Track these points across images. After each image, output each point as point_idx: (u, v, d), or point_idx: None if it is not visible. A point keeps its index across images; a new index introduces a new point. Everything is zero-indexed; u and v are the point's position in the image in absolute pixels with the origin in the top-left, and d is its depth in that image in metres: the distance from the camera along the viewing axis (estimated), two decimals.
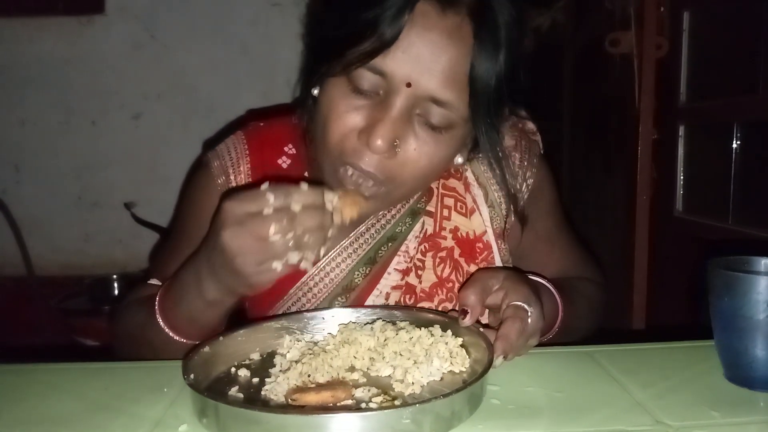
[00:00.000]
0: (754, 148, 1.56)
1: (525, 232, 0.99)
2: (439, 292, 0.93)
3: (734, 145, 1.60)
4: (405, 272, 0.94)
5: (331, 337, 0.79)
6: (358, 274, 0.93)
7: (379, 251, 0.94)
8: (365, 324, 0.81)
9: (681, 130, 1.82)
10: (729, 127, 1.61)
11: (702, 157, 1.78)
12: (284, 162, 0.96)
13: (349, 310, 0.86)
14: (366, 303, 0.92)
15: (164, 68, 2.46)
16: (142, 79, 2.46)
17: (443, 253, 0.94)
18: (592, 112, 2.27)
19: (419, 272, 0.93)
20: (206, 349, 0.72)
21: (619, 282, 1.99)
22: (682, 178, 1.83)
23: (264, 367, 0.74)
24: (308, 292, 0.93)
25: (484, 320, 0.80)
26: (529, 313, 0.74)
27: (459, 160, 0.90)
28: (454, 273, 0.94)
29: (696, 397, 0.67)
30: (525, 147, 0.99)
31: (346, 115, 0.79)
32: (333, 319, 0.84)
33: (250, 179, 0.94)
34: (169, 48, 2.45)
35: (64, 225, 2.50)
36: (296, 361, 0.72)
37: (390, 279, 0.93)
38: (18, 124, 2.46)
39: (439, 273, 0.93)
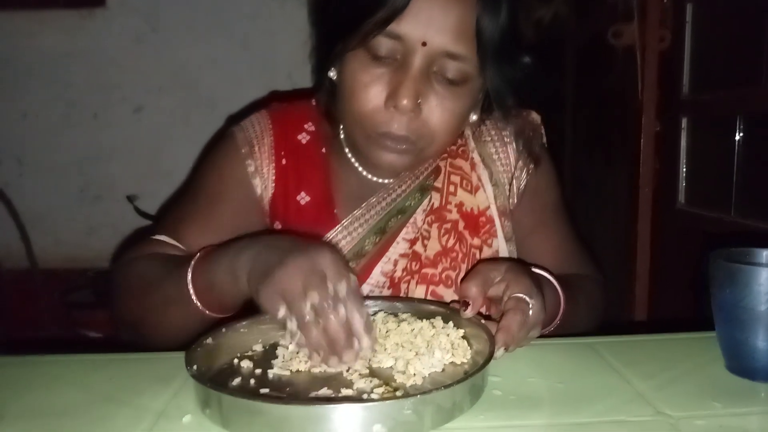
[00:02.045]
0: (756, 140, 1.55)
1: (525, 217, 1.04)
2: (443, 260, 0.97)
3: (737, 138, 1.59)
4: (412, 241, 0.98)
5: None
6: (368, 242, 0.98)
7: (389, 222, 0.99)
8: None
9: (684, 123, 1.81)
10: (732, 119, 1.60)
11: (704, 149, 1.78)
12: (303, 138, 1.02)
13: None
14: (375, 269, 0.97)
15: (165, 62, 2.46)
16: (143, 72, 2.46)
17: (448, 225, 0.99)
18: (595, 104, 2.26)
19: (425, 241, 0.98)
20: (209, 340, 0.73)
21: (621, 274, 1.99)
22: (684, 170, 1.83)
23: (266, 358, 0.74)
24: None
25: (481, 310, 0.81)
26: (531, 306, 0.74)
27: (473, 117, 0.98)
28: (458, 244, 0.99)
29: (697, 388, 0.68)
30: (528, 136, 1.05)
31: (371, 85, 0.86)
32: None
33: (273, 151, 0.99)
34: (170, 41, 2.45)
35: (67, 218, 2.51)
36: (298, 352, 0.73)
37: (398, 247, 0.98)
38: (20, 118, 2.46)
39: (443, 243, 0.98)
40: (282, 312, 0.66)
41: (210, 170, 1.01)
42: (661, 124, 1.85)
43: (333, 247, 0.72)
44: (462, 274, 0.97)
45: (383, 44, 0.85)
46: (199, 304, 0.79)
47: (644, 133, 1.85)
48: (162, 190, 2.31)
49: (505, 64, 0.90)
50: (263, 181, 0.98)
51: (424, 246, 0.98)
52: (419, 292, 0.95)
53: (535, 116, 1.08)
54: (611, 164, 2.12)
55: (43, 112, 2.46)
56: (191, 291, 0.79)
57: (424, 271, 0.96)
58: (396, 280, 0.96)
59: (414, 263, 0.97)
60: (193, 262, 0.80)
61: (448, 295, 0.96)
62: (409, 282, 0.96)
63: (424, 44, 0.84)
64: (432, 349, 0.71)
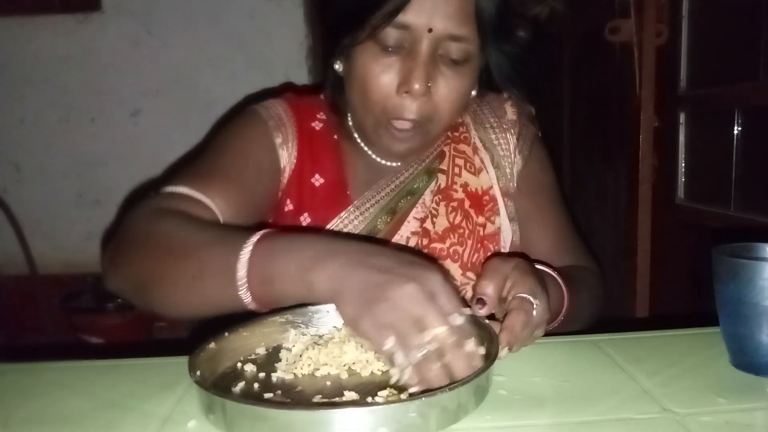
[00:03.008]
0: (755, 134, 1.56)
1: (521, 200, 1.07)
2: (451, 236, 1.02)
3: (735, 132, 1.59)
4: (422, 220, 1.03)
5: (336, 330, 0.79)
6: (380, 222, 1.02)
7: (399, 203, 1.04)
8: None
9: (682, 118, 1.81)
10: (730, 113, 1.60)
11: (703, 144, 1.78)
12: (317, 125, 1.07)
13: None
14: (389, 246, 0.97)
15: (162, 64, 2.46)
16: (140, 75, 2.46)
17: (455, 203, 1.04)
18: (593, 100, 2.27)
19: (434, 219, 1.03)
20: (212, 345, 0.72)
21: (621, 270, 1.99)
22: (683, 165, 1.83)
23: (270, 361, 0.74)
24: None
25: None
26: (535, 306, 0.73)
27: (473, 93, 1.02)
28: (464, 221, 1.03)
29: (702, 384, 0.67)
30: (524, 124, 1.10)
31: (383, 75, 0.91)
32: (337, 313, 0.84)
33: (297, 132, 1.03)
34: (167, 44, 2.45)
35: (66, 223, 2.51)
36: (301, 355, 0.73)
37: (410, 226, 1.03)
38: (17, 123, 2.46)
39: (451, 220, 1.03)
40: (390, 345, 0.60)
41: (232, 134, 1.00)
42: (659, 119, 1.85)
43: (439, 265, 0.66)
44: (468, 250, 1.02)
45: (391, 35, 0.89)
46: (247, 292, 0.67)
47: (642, 129, 1.85)
48: None
49: (503, 41, 0.96)
50: (288, 155, 1.02)
51: (433, 223, 1.02)
52: None
53: (530, 108, 1.13)
54: (610, 160, 2.12)
55: (40, 117, 2.46)
56: (243, 274, 0.67)
57: (433, 245, 1.01)
58: None
59: (424, 239, 1.01)
60: (254, 241, 0.68)
61: (454, 269, 1.00)
62: None
63: (430, 30, 0.88)
64: None
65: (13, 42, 2.40)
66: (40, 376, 0.77)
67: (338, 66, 0.99)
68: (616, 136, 2.06)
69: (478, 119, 1.10)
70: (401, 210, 1.04)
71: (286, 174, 1.02)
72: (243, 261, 0.67)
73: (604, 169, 2.16)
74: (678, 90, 1.82)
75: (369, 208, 1.03)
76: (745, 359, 0.70)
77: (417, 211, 1.04)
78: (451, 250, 1.01)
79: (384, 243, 0.76)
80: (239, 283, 0.66)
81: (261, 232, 0.69)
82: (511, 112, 1.09)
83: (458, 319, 0.61)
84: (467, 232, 1.03)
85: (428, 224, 1.02)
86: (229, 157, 0.96)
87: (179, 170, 0.94)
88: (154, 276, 0.75)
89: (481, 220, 1.04)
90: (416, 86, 0.89)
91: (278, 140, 1.01)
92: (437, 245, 1.01)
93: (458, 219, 1.03)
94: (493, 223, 1.04)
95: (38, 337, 2.44)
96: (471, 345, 0.61)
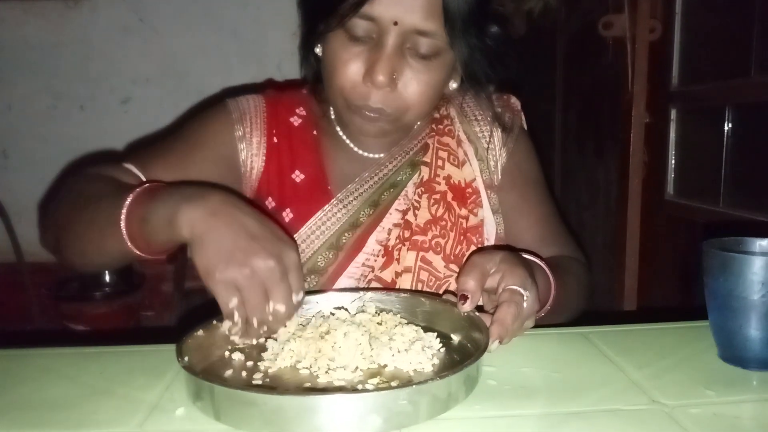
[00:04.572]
0: (745, 131, 1.56)
1: (506, 192, 1.08)
2: (433, 228, 1.02)
3: (726, 129, 1.60)
4: (404, 212, 1.03)
5: (323, 320, 0.78)
6: (363, 214, 1.03)
7: (382, 195, 1.04)
8: (355, 314, 0.80)
9: (673, 114, 1.82)
10: (721, 110, 1.61)
11: (694, 140, 1.79)
12: (295, 121, 1.07)
13: (341, 293, 0.86)
14: (370, 238, 1.01)
15: (153, 52, 2.44)
16: (130, 63, 2.44)
17: (437, 196, 1.04)
18: (585, 95, 2.27)
19: (416, 211, 1.02)
20: (200, 332, 0.72)
21: (610, 265, 2.00)
22: (673, 161, 1.84)
23: (258, 350, 0.74)
24: (317, 230, 1.01)
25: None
26: (525, 297, 0.74)
27: (453, 85, 1.03)
28: (446, 213, 1.03)
29: (691, 376, 0.68)
30: (509, 118, 1.11)
31: (349, 63, 0.92)
32: (326, 303, 0.84)
33: (265, 127, 1.04)
34: (158, 31, 2.43)
35: None
36: (283, 347, 0.72)
37: (391, 218, 1.03)
38: (5, 110, 2.44)
39: (433, 212, 1.03)
40: (233, 305, 0.67)
41: (194, 123, 1.04)
42: (650, 115, 1.86)
43: (294, 243, 0.73)
44: (450, 242, 1.02)
45: (359, 25, 0.90)
46: (125, 234, 0.76)
47: (634, 124, 1.86)
48: None
49: (473, 38, 0.94)
50: (250, 149, 1.02)
51: (415, 215, 1.02)
52: (410, 257, 0.99)
53: (515, 101, 1.14)
54: (601, 155, 2.13)
55: (28, 103, 2.44)
56: (123, 217, 0.76)
57: (414, 238, 1.00)
58: (389, 248, 1.00)
59: (406, 231, 1.01)
60: (136, 191, 0.77)
61: (437, 261, 1.00)
62: (401, 249, 1.00)
63: (395, 24, 0.89)
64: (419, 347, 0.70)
65: (2, 27, 2.38)
66: (27, 361, 0.76)
67: (318, 50, 1.00)
68: (607, 131, 2.07)
69: (463, 112, 1.11)
70: (384, 202, 1.04)
71: (255, 173, 1.03)
72: (124, 204, 0.76)
73: (595, 164, 2.17)
74: (670, 86, 1.82)
75: (352, 200, 1.03)
76: (734, 352, 0.71)
77: (399, 203, 1.04)
78: (433, 242, 1.01)
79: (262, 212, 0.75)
80: (121, 225, 0.76)
81: (147, 184, 0.79)
82: (496, 105, 1.10)
83: (299, 297, 0.70)
84: (449, 224, 1.03)
85: (410, 216, 1.02)
86: (180, 141, 1.01)
87: (142, 147, 1.02)
88: (63, 225, 0.87)
89: (464, 212, 1.04)
90: (379, 77, 0.90)
91: (238, 133, 1.02)
92: (419, 237, 1.01)
93: (440, 211, 1.03)
94: (476, 215, 1.05)
95: (26, 325, 2.43)
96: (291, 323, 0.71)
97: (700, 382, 0.66)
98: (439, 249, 1.01)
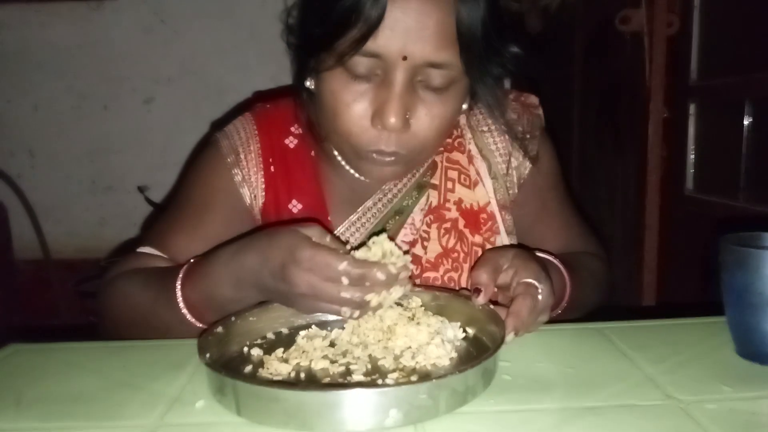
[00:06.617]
0: (765, 125, 1.54)
1: (527, 204, 1.01)
2: (444, 262, 0.94)
3: (745, 123, 1.58)
4: (412, 244, 0.95)
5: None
6: None
7: (387, 224, 0.96)
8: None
9: (692, 108, 1.80)
10: (740, 104, 1.59)
11: (713, 135, 1.77)
12: (291, 142, 0.98)
13: None
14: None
15: (174, 52, 2.47)
16: (152, 63, 2.48)
17: (448, 225, 0.96)
18: (603, 90, 2.25)
19: (425, 243, 0.95)
20: (219, 329, 0.73)
21: (630, 261, 1.98)
22: (692, 156, 1.82)
23: (276, 346, 0.75)
24: None
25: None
26: (540, 290, 0.74)
27: (465, 107, 0.93)
28: (458, 243, 0.95)
29: (707, 372, 0.68)
30: (528, 120, 1.01)
31: (354, 104, 0.82)
32: None
33: (261, 158, 0.96)
34: (179, 32, 2.46)
35: (79, 209, 2.53)
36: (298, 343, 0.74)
37: None
38: (31, 110, 2.48)
39: (444, 243, 0.95)
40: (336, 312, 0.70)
41: (195, 180, 0.98)
42: (669, 110, 1.84)
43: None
44: (464, 275, 0.94)
45: (361, 63, 0.80)
46: (193, 320, 0.79)
47: (652, 119, 1.84)
48: (172, 181, 2.32)
49: (491, 62, 0.86)
50: (252, 190, 0.95)
51: (424, 248, 0.94)
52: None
53: (534, 99, 1.04)
54: (619, 151, 2.11)
55: (53, 104, 2.48)
56: (184, 311, 0.79)
57: (425, 275, 0.93)
58: None
59: (415, 267, 0.93)
60: (180, 277, 0.79)
61: None
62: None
63: (404, 58, 0.78)
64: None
65: (27, 29, 2.42)
66: (51, 355, 0.78)
67: (309, 83, 0.89)
68: (625, 127, 2.05)
69: (473, 122, 1.01)
70: (389, 232, 0.94)
71: (257, 208, 0.96)
72: (177, 298, 0.78)
73: (614, 159, 2.15)
74: (688, 80, 1.80)
75: (354, 232, 0.95)
76: (751, 348, 0.71)
77: (405, 234, 0.95)
78: (446, 278, 0.93)
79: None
80: (187, 317, 0.79)
81: (186, 266, 0.80)
82: (511, 111, 0.99)
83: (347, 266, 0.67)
84: (462, 255, 0.95)
85: (419, 250, 0.94)
86: (191, 209, 0.96)
87: (153, 223, 1.00)
88: (123, 337, 0.86)
89: (478, 239, 0.96)
90: (391, 120, 0.80)
91: (237, 178, 0.95)
92: (430, 274, 0.93)
93: (452, 242, 0.95)
94: (493, 243, 0.97)
95: (52, 320, 2.47)
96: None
97: (717, 377, 0.66)
98: (453, 284, 0.93)
